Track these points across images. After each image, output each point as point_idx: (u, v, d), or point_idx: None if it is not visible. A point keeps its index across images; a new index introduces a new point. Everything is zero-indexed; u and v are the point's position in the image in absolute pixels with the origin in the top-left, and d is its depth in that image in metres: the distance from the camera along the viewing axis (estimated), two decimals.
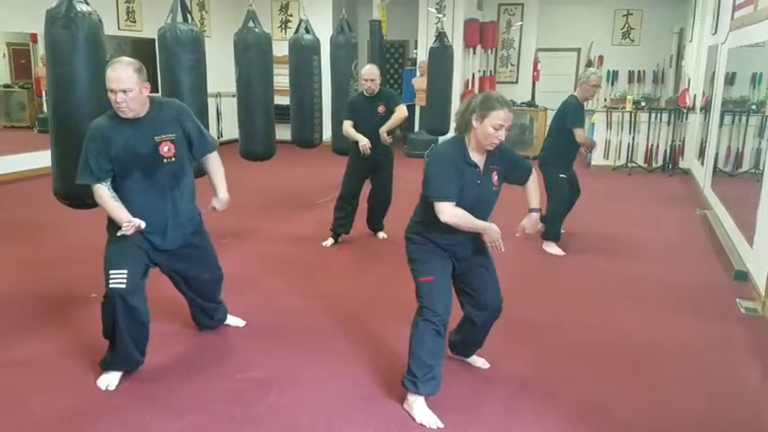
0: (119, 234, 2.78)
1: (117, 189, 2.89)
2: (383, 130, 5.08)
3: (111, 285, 2.81)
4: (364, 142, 4.99)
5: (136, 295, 2.86)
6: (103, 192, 2.86)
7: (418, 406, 2.71)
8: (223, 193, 3.20)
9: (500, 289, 2.98)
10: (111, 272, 2.83)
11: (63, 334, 3.48)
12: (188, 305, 3.44)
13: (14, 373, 3.08)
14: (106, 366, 2.98)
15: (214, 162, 3.19)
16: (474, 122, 2.65)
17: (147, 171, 2.88)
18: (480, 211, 2.74)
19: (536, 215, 2.93)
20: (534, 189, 2.95)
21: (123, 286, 2.80)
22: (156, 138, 2.86)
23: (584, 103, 5.22)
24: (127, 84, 2.73)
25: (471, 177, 2.70)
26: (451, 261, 2.83)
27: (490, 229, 2.68)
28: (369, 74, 5.08)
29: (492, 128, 2.62)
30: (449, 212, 2.63)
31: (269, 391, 2.93)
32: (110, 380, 2.94)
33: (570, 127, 5.07)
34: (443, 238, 2.77)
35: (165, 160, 2.90)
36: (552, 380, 3.09)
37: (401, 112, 5.09)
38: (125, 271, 2.82)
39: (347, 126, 5.15)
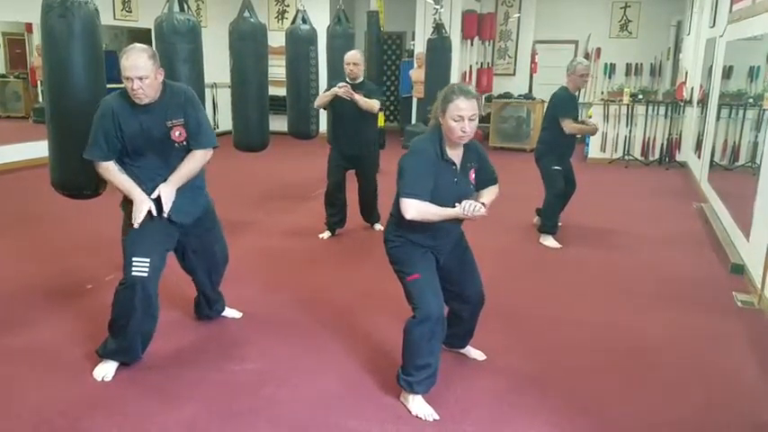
0: (135, 226, 2.79)
1: (131, 167, 2.91)
2: (360, 101, 4.91)
3: (133, 273, 2.81)
4: (339, 86, 4.88)
5: (152, 283, 2.87)
6: (111, 167, 2.89)
7: (415, 399, 2.71)
8: (169, 184, 2.90)
9: (481, 279, 2.97)
10: (134, 259, 2.82)
11: (60, 325, 3.48)
12: (195, 290, 3.46)
13: (11, 363, 3.07)
14: (106, 354, 2.97)
15: (193, 155, 2.97)
16: (440, 119, 2.59)
17: (160, 153, 2.92)
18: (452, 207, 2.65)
19: (481, 207, 2.61)
20: (489, 192, 2.80)
21: (146, 275, 2.81)
22: (168, 123, 2.89)
23: (576, 94, 5.20)
24: (143, 71, 2.76)
25: (448, 175, 2.63)
26: (434, 255, 2.77)
27: (462, 210, 2.55)
28: (352, 57, 5.04)
29: (452, 120, 2.53)
30: (413, 209, 2.54)
31: (266, 383, 2.93)
32: (106, 371, 2.93)
33: (560, 118, 5.05)
34: (421, 239, 2.71)
35: (176, 144, 2.94)
36: (548, 373, 3.10)
37: (374, 104, 4.96)
38: (148, 260, 2.83)
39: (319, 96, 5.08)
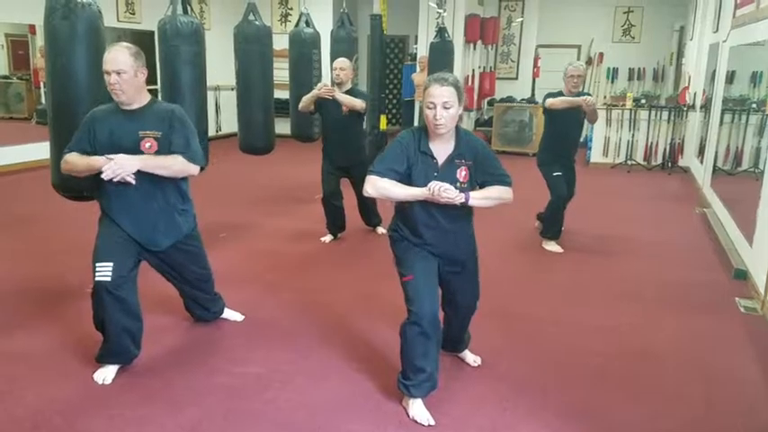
0: (103, 176, 2.68)
1: (99, 182, 2.83)
2: (341, 98, 4.85)
3: (96, 278, 2.80)
4: (319, 86, 4.84)
5: (124, 287, 2.83)
6: (71, 156, 2.83)
7: (414, 403, 2.70)
8: (133, 158, 2.73)
9: (478, 288, 2.94)
10: (97, 264, 2.81)
11: (60, 327, 3.47)
12: (180, 297, 3.43)
13: (10, 365, 3.06)
14: (101, 359, 2.97)
15: (175, 156, 2.84)
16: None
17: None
18: (439, 207, 2.59)
19: (461, 197, 2.50)
20: (491, 190, 2.62)
21: (108, 279, 2.78)
22: (140, 132, 2.81)
23: (571, 95, 5.15)
24: (121, 65, 2.74)
25: (425, 168, 2.58)
26: (434, 257, 2.74)
27: (428, 190, 2.47)
28: (339, 62, 4.99)
29: (427, 108, 2.50)
30: (370, 185, 2.56)
31: (267, 387, 2.92)
32: (106, 374, 2.92)
33: (547, 107, 5.01)
34: (411, 235, 2.71)
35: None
36: (548, 378, 3.08)
37: (356, 102, 4.84)
38: (110, 264, 2.80)
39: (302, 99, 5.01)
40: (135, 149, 2.80)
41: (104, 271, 2.79)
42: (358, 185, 5.25)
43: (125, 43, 2.85)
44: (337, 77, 4.95)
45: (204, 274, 3.33)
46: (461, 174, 2.60)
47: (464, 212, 2.74)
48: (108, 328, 2.87)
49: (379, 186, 2.56)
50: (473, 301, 2.96)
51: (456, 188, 2.53)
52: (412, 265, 2.69)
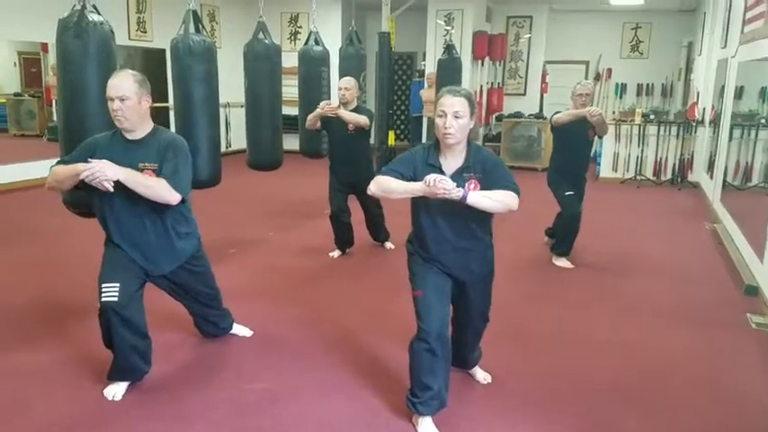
0: (81, 176, 2.62)
1: (100, 209, 2.86)
2: (345, 116, 4.88)
3: (102, 299, 2.79)
4: (321, 105, 4.89)
5: (130, 307, 2.83)
6: (58, 167, 2.80)
7: (423, 421, 2.68)
8: (115, 167, 2.66)
9: (488, 310, 2.91)
10: (103, 285, 2.81)
11: (69, 342, 3.48)
12: (190, 315, 3.44)
13: (19, 379, 3.08)
14: (112, 377, 2.97)
15: (159, 179, 2.77)
16: None
17: (127, 194, 2.74)
18: (449, 218, 2.60)
19: (458, 191, 2.44)
20: (495, 192, 2.53)
21: (115, 299, 2.78)
22: (140, 164, 2.78)
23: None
24: (124, 91, 2.72)
25: None
26: (446, 273, 2.72)
27: (425, 184, 2.43)
28: (344, 82, 5.05)
29: (437, 116, 2.52)
30: (375, 182, 2.60)
31: (275, 402, 2.91)
32: (116, 390, 2.93)
33: (554, 122, 5.03)
34: (422, 250, 2.72)
35: None
36: (558, 395, 3.06)
37: (360, 117, 4.88)
38: (117, 284, 2.80)
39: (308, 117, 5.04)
40: None
41: (110, 291, 2.79)
42: (365, 201, 5.27)
43: (129, 70, 2.85)
44: (343, 97, 5.00)
45: (211, 293, 3.33)
46: (470, 186, 2.55)
47: (476, 229, 2.68)
48: (116, 346, 2.88)
49: (381, 181, 2.59)
50: (481, 319, 2.94)
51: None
52: (423, 281, 2.69)
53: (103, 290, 2.80)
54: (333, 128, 5.02)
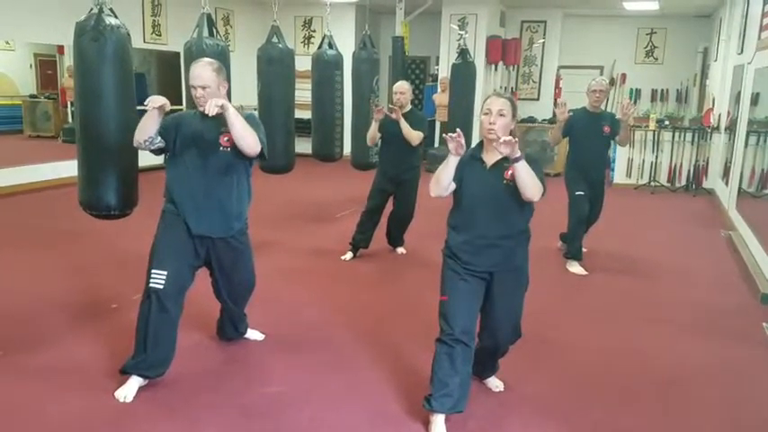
0: (145, 104, 2.84)
1: (172, 166, 3.06)
2: (403, 127, 5.05)
3: (150, 284, 2.93)
4: (377, 108, 5.07)
5: (172, 298, 2.96)
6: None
7: (435, 422, 2.69)
8: (226, 103, 2.86)
9: (519, 321, 2.91)
10: (152, 271, 2.95)
11: (83, 343, 3.50)
12: (220, 312, 3.49)
13: (32, 379, 3.09)
14: (129, 370, 2.98)
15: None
16: None
17: (202, 153, 3.00)
18: (485, 207, 2.73)
19: (510, 139, 2.55)
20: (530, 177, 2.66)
21: (161, 287, 2.92)
22: (222, 128, 2.97)
23: (594, 110, 5.16)
24: (205, 81, 2.95)
25: (474, 171, 2.74)
26: (476, 278, 2.76)
27: (447, 137, 2.63)
28: (398, 87, 5.25)
29: (483, 114, 2.71)
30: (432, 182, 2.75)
31: (287, 406, 2.91)
32: (127, 391, 2.93)
33: (550, 142, 5.12)
34: (454, 255, 2.77)
35: (221, 148, 3.02)
36: (571, 403, 3.04)
37: (414, 136, 5.07)
38: (165, 272, 2.94)
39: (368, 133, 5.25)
40: (216, 141, 3.01)
41: (158, 278, 2.94)
42: (402, 199, 5.36)
43: (207, 59, 3.09)
44: (398, 101, 5.16)
45: (250, 280, 3.41)
46: (508, 174, 2.68)
47: (514, 225, 2.78)
48: (148, 336, 2.93)
49: (435, 174, 2.72)
50: (512, 329, 2.91)
51: (503, 185, 2.68)
52: (450, 286, 2.77)
53: (152, 275, 2.94)
54: (387, 127, 5.13)
